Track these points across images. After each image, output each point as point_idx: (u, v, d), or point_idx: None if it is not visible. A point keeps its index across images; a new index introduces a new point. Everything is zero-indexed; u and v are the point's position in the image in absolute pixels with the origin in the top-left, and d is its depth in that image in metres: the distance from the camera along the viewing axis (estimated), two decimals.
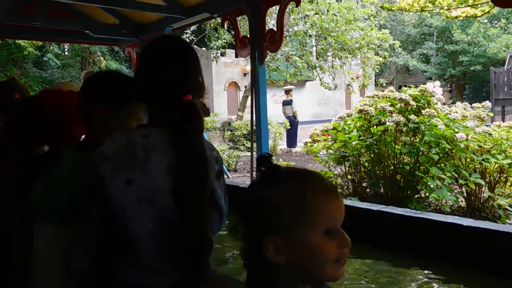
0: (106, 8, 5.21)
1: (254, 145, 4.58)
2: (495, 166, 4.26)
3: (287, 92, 12.75)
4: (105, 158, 1.12)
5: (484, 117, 4.62)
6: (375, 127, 4.75)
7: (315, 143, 5.72)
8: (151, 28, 5.58)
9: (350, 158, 4.98)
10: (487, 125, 4.59)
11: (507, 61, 17.63)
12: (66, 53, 17.14)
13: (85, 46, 16.29)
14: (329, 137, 5.40)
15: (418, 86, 4.95)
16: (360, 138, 4.79)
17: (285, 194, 0.81)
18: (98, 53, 17.60)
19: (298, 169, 0.87)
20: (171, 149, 1.15)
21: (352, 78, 12.65)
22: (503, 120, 12.26)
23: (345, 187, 5.19)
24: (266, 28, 4.30)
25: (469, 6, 8.62)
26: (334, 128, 5.33)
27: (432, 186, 4.31)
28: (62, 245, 1.16)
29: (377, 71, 14.52)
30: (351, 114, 5.25)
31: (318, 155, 5.54)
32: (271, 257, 0.80)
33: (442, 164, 4.37)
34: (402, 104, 4.57)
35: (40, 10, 4.87)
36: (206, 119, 9.98)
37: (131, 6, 4.82)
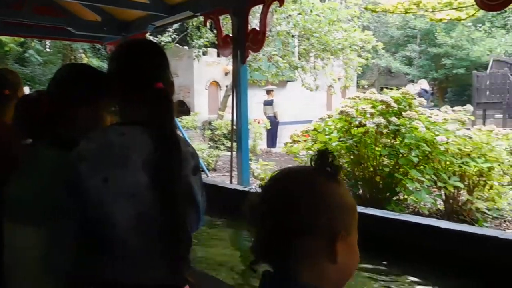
0: (89, 5, 5.13)
1: (234, 144, 4.54)
2: (475, 170, 4.29)
3: (269, 92, 12.73)
4: (82, 158, 1.14)
5: (465, 121, 4.66)
6: (355, 128, 4.74)
7: (295, 143, 5.70)
8: (134, 25, 5.50)
9: None
10: (468, 129, 4.62)
11: (490, 65, 17.93)
12: (48, 49, 16.89)
13: (67, 43, 16.06)
14: (309, 138, 5.38)
15: (400, 89, 4.96)
16: (340, 140, 4.78)
17: (348, 194, 0.85)
18: (80, 50, 17.34)
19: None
20: (146, 146, 1.16)
21: (334, 79, 12.68)
22: (484, 124, 12.47)
23: None
24: (249, 27, 4.26)
25: (453, 9, 8.70)
26: (314, 129, 5.31)
27: (411, 188, 4.32)
28: (41, 246, 1.15)
29: (359, 72, 14.61)
30: (332, 115, 5.23)
31: (298, 155, 5.52)
32: (336, 256, 0.78)
33: (422, 167, 4.39)
34: (384, 106, 4.57)
35: (27, 6, 4.79)
36: (187, 118, 9.90)
37: (113, 4, 4.75)
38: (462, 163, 4.24)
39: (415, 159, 4.28)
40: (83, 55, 17.28)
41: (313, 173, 0.83)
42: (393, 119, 4.43)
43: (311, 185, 0.81)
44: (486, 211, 4.30)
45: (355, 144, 4.64)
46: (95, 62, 16.70)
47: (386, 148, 4.46)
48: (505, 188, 4.43)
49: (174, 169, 1.17)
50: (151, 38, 10.36)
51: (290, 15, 10.93)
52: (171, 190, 1.15)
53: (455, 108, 4.95)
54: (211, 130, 10.48)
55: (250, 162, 5.63)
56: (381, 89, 17.71)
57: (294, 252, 0.79)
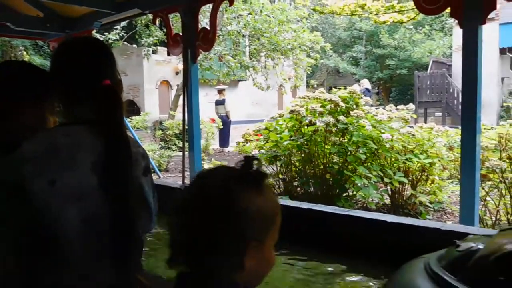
0: (30, 0, 4.87)
1: (186, 144, 4.50)
2: (417, 165, 4.51)
3: (220, 91, 12.70)
4: (26, 160, 1.08)
5: (408, 119, 4.88)
6: (306, 127, 4.84)
7: (247, 143, 5.73)
8: (79, 22, 5.29)
9: (281, 158, 5.04)
10: (410, 126, 4.84)
11: (430, 66, 18.85)
12: None
13: (6, 39, 15.17)
14: (261, 137, 5.43)
15: (348, 88, 5.11)
16: (292, 138, 4.86)
17: (269, 203, 0.85)
18: (21, 48, 16.46)
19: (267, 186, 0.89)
20: (95, 146, 1.13)
21: (285, 79, 12.86)
22: (425, 121, 13.12)
23: (277, 186, 5.24)
24: (199, 26, 4.23)
25: (396, 12, 9.09)
26: (266, 128, 5.37)
27: (359, 184, 4.46)
28: None
29: (308, 72, 14.92)
30: (283, 115, 5.31)
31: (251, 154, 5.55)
32: (247, 259, 0.80)
33: (369, 164, 4.55)
34: (332, 105, 4.69)
35: None
36: (137, 118, 9.69)
37: None
38: (406, 159, 4.44)
39: (363, 156, 4.43)
40: (24, 53, 16.43)
41: (233, 180, 0.83)
42: (342, 117, 4.56)
43: (226, 192, 0.81)
44: (429, 205, 4.53)
45: (305, 142, 4.74)
46: (37, 60, 15.95)
47: (335, 146, 4.58)
48: (445, 182, 4.68)
49: (125, 170, 1.15)
50: (98, 35, 10.04)
51: (240, 15, 10.97)
52: (122, 191, 1.13)
53: (399, 107, 5.18)
54: (162, 130, 10.31)
55: (202, 162, 5.59)
56: (330, 88, 18.16)
57: (209, 253, 0.80)
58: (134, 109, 14.85)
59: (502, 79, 16.69)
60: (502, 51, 15.61)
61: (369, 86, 12.75)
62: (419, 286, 1.50)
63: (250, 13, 10.98)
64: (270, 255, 0.86)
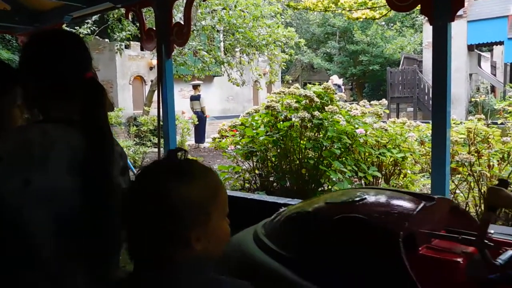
0: None
1: (161, 140, 4.45)
2: (390, 160, 4.60)
3: (195, 87, 12.61)
4: None
5: (381, 114, 4.97)
6: (281, 123, 4.87)
7: (223, 138, 5.72)
8: (48, 16, 5.13)
9: (257, 153, 5.05)
10: (383, 121, 4.93)
11: (401, 62, 19.21)
12: None
13: None
14: (237, 132, 5.43)
15: (322, 84, 5.16)
16: (267, 134, 4.88)
17: (204, 188, 0.89)
18: None
19: (203, 165, 0.96)
20: (73, 145, 1.09)
21: (260, 75, 12.87)
22: (397, 116, 13.36)
23: (253, 181, 5.26)
24: (173, 21, 4.18)
25: (368, 8, 9.23)
26: (242, 124, 5.37)
27: (334, 179, 4.53)
28: None
29: (283, 68, 14.98)
30: (259, 110, 5.32)
31: (226, 150, 5.55)
32: (194, 247, 0.85)
33: (344, 158, 4.61)
34: (307, 101, 4.73)
35: None
36: (110, 114, 9.51)
37: None
38: (380, 153, 4.53)
39: (338, 151, 4.49)
40: None
41: (160, 174, 0.89)
42: (316, 113, 4.60)
43: (157, 185, 0.87)
44: None
45: (281, 138, 4.77)
46: (5, 55, 15.44)
47: (311, 141, 4.63)
48: (417, 175, 4.80)
49: (107, 169, 1.12)
50: (68, 29, 9.80)
51: (214, 10, 10.90)
52: (102, 192, 1.10)
53: (372, 102, 5.27)
54: (137, 126, 10.18)
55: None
56: (305, 84, 18.26)
57: (158, 247, 0.85)
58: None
59: (470, 75, 17.18)
60: (470, 48, 16.05)
61: (339, 82, 12.93)
62: (247, 247, 1.96)
63: (224, 8, 10.93)
64: (221, 227, 0.92)
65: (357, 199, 1.83)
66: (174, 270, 0.86)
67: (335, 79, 13.01)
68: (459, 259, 1.60)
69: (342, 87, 13.15)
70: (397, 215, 1.70)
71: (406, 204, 1.78)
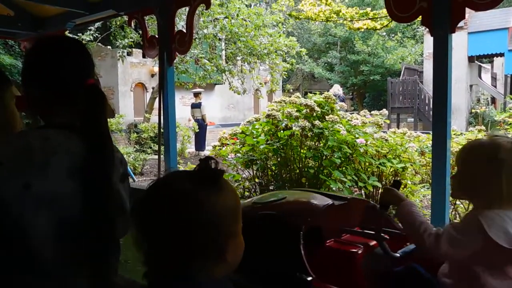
0: None
1: (162, 148, 4.45)
2: (391, 170, 4.59)
3: (196, 95, 12.64)
4: None
5: (381, 124, 4.97)
6: (282, 131, 4.87)
7: (223, 146, 5.72)
8: (52, 22, 5.17)
9: (257, 162, 5.05)
10: (384, 132, 4.93)
11: (402, 72, 19.26)
12: None
13: None
14: (238, 140, 5.43)
15: (323, 93, 5.17)
16: (268, 142, 4.88)
17: (235, 198, 0.89)
18: None
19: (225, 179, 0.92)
20: (75, 151, 1.09)
21: (261, 83, 12.90)
22: (398, 127, 13.35)
23: (253, 190, 5.25)
24: (176, 29, 4.20)
25: (369, 19, 9.28)
26: (242, 132, 5.37)
27: (334, 188, 4.51)
28: None
29: (284, 77, 15.00)
30: (259, 119, 5.33)
31: (227, 158, 5.55)
32: (227, 259, 0.85)
33: (344, 168, 4.60)
34: (308, 110, 4.74)
35: None
36: (111, 120, 9.53)
37: None
38: (380, 163, 4.52)
39: (338, 161, 4.48)
40: None
41: (193, 185, 0.84)
42: (317, 122, 4.61)
43: (194, 196, 0.83)
44: None
45: (281, 146, 4.76)
46: (7, 60, 15.50)
47: (311, 150, 4.63)
48: (417, 186, 4.78)
49: (107, 175, 1.13)
50: (71, 36, 9.85)
51: (216, 19, 10.95)
52: (102, 197, 1.10)
53: (373, 112, 5.27)
54: (137, 133, 10.18)
55: (178, 165, 5.55)
56: (305, 93, 18.30)
57: (190, 260, 0.82)
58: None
59: (471, 86, 17.21)
60: (471, 59, 16.11)
61: (339, 92, 12.76)
62: None
63: (226, 17, 10.98)
64: (241, 239, 0.91)
65: (278, 199, 2.11)
66: (205, 282, 0.84)
67: (336, 88, 12.90)
68: (356, 250, 1.82)
69: (341, 97, 12.93)
70: (303, 212, 1.97)
71: (315, 202, 2.04)
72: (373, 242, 1.85)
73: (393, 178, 4.65)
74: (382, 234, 1.77)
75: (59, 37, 1.32)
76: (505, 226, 1.33)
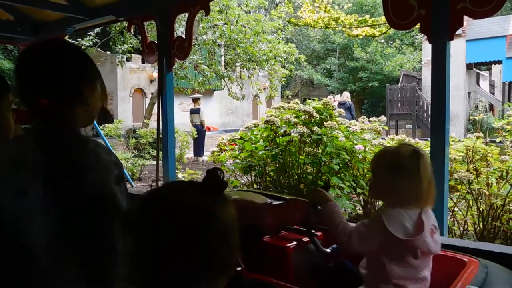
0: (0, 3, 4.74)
1: (160, 153, 4.45)
2: None
3: (195, 100, 12.65)
4: None
5: (380, 130, 4.97)
6: (280, 137, 4.87)
7: (222, 152, 5.72)
8: (51, 27, 5.18)
9: (256, 168, 5.05)
10: (382, 138, 4.93)
11: (400, 79, 19.32)
12: None
13: None
14: (236, 146, 5.43)
15: (322, 99, 5.18)
16: (266, 148, 4.88)
17: (233, 213, 0.86)
18: None
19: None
20: (69, 154, 1.09)
21: (260, 89, 12.92)
22: (396, 133, 13.38)
23: None
24: (175, 35, 4.21)
25: (368, 26, 9.33)
26: (241, 138, 5.37)
27: (332, 195, 4.51)
28: None
29: (283, 83, 15.05)
30: (258, 125, 5.33)
31: (225, 164, 5.54)
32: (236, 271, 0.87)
33: (342, 174, 4.60)
34: (306, 116, 4.75)
35: None
36: (110, 125, 9.53)
37: (28, 3, 4.43)
38: None
39: (336, 167, 4.48)
40: None
41: (202, 197, 0.81)
42: (316, 128, 4.61)
43: (208, 209, 0.80)
44: None
45: (280, 152, 4.76)
46: (6, 65, 15.52)
47: (309, 156, 4.63)
48: None
49: (103, 178, 1.12)
50: (70, 41, 9.86)
51: (216, 25, 10.99)
52: (98, 201, 1.10)
53: (371, 118, 5.28)
54: (136, 138, 10.17)
55: (176, 171, 5.55)
56: (304, 99, 18.33)
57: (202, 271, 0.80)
58: (107, 116, 14.62)
59: (469, 93, 17.27)
60: (469, 67, 16.17)
61: (348, 99, 12.32)
62: None
63: (225, 23, 11.02)
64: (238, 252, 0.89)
65: None
66: None
67: (345, 96, 12.30)
68: (288, 245, 1.95)
69: (350, 102, 12.19)
70: (240, 209, 2.01)
71: (254, 201, 2.14)
72: (307, 239, 1.98)
73: None
74: (313, 231, 1.93)
75: (53, 40, 1.28)
76: (402, 221, 1.55)
